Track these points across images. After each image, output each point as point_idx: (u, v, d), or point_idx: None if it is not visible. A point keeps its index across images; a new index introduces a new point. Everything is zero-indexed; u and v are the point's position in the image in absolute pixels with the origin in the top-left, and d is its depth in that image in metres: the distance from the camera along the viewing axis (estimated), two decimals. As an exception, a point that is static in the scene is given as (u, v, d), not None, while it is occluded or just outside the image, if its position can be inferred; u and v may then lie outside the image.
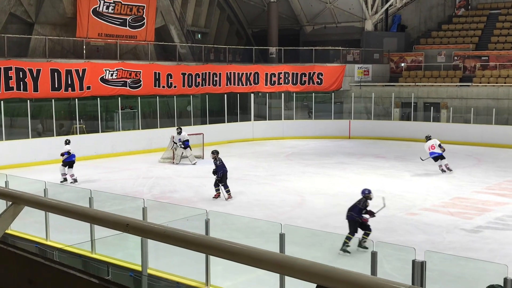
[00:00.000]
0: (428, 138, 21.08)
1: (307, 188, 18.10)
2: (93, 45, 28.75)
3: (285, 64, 33.21)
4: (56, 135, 23.77)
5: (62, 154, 19.03)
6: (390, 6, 37.60)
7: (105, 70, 25.78)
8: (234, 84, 31.26)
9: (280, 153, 26.20)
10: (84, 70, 24.92)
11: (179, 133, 22.96)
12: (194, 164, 22.68)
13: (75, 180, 18.82)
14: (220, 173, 16.24)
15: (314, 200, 16.42)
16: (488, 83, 31.13)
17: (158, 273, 9.62)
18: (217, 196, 16.41)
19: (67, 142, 19.52)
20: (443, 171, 20.45)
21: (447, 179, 19.66)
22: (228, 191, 16.27)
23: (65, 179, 18.92)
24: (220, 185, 16.34)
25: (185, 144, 22.83)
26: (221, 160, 16.53)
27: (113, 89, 26.13)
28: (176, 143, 22.92)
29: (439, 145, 20.38)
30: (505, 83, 30.72)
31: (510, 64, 32.08)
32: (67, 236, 11.68)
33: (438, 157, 20.53)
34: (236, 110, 30.64)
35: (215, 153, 16.68)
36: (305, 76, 32.92)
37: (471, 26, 36.44)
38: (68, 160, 18.97)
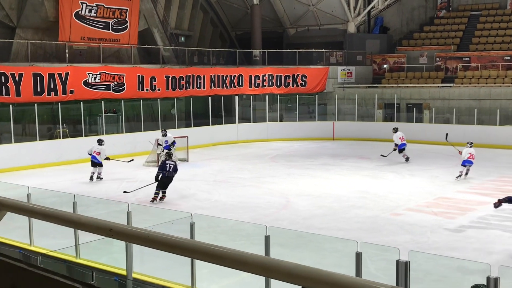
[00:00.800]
0: (395, 129, 23.54)
1: (292, 189, 18.13)
2: (76, 48, 28.58)
3: (269, 66, 33.27)
4: (39, 139, 23.60)
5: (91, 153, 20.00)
6: (372, 8, 37.83)
7: (88, 73, 25.64)
8: (218, 87, 31.25)
9: (264, 155, 26.23)
10: (67, 74, 24.76)
11: (164, 135, 22.89)
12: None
13: (96, 178, 19.93)
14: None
15: (299, 201, 16.45)
16: (470, 83, 31.44)
17: (143, 277, 9.58)
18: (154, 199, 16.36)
19: (100, 143, 20.30)
20: (407, 159, 23.04)
21: (430, 179, 19.82)
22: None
23: (98, 177, 19.96)
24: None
25: (169, 147, 22.74)
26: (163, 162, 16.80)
27: (96, 92, 25.99)
28: (161, 145, 22.83)
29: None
30: (486, 83, 31.05)
31: (491, 64, 32.44)
32: (51, 241, 11.59)
33: (404, 148, 23.21)
34: (220, 112, 30.62)
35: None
36: (289, 78, 33.00)
37: (453, 28, 36.78)
38: (93, 160, 19.89)
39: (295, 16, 38.73)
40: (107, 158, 20.25)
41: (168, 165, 16.34)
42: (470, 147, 20.06)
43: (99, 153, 19.82)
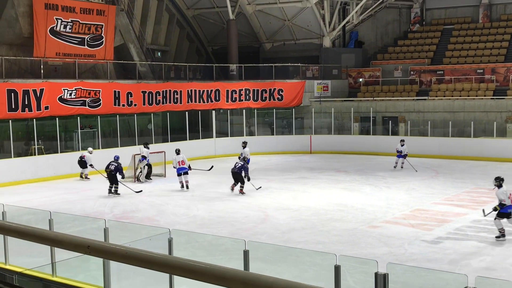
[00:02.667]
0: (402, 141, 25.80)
1: (270, 203, 18.13)
2: (51, 64, 28.34)
3: (246, 80, 33.37)
4: (14, 156, 23.31)
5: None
6: (347, 23, 38.25)
7: (64, 89, 25.43)
8: (195, 102, 31.22)
9: (242, 169, 26.18)
10: (42, 90, 24.53)
11: (147, 147, 23.55)
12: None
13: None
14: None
15: (277, 215, 16.45)
16: (444, 96, 31.89)
17: (121, 294, 9.46)
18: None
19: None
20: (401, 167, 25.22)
21: (407, 191, 19.99)
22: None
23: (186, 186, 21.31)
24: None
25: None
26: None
27: (72, 108, 25.78)
28: (145, 158, 23.08)
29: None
30: (460, 96, 31.52)
31: (465, 77, 32.96)
32: (27, 259, 11.41)
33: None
34: (197, 127, 30.57)
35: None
36: (265, 92, 33.12)
37: (426, 41, 37.35)
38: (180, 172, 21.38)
39: (271, 30, 38.97)
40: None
41: (236, 163, 19.75)
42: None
43: (183, 162, 20.95)
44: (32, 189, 21.53)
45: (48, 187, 21.79)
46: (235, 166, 19.69)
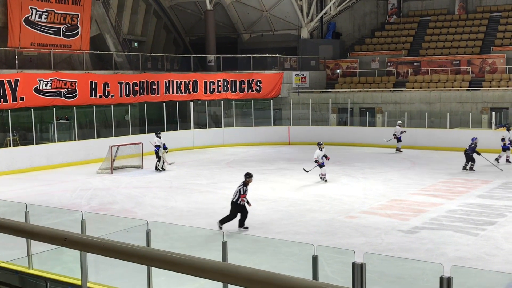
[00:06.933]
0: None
1: (248, 195, 18.10)
2: (26, 55, 27.94)
3: (224, 72, 33.27)
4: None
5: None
6: (325, 14, 38.32)
7: (39, 80, 25.10)
8: (173, 93, 31.06)
9: (221, 160, 26.18)
10: (16, 81, 24.16)
11: (159, 136, 23.49)
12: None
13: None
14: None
15: (255, 206, 16.45)
16: (420, 87, 32.18)
17: (98, 286, 9.41)
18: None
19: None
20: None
21: (384, 182, 20.16)
22: None
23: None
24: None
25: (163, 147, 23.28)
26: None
27: (47, 99, 25.46)
28: (159, 146, 23.13)
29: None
30: (436, 87, 31.83)
31: (441, 69, 33.27)
32: (3, 252, 11.28)
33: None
34: (175, 118, 30.43)
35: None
36: (244, 83, 33.07)
37: (403, 33, 37.61)
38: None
39: (249, 21, 38.87)
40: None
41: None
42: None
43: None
44: (7, 181, 21.26)
45: (24, 179, 21.54)
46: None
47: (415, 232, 13.43)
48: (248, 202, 13.93)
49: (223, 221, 13.67)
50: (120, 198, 18.11)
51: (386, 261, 9.63)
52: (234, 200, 13.86)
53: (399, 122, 28.06)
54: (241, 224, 13.89)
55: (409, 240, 12.84)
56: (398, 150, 27.65)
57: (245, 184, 13.97)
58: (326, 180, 20.03)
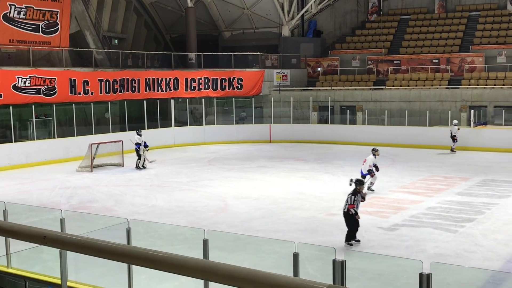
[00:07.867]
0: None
1: (229, 192, 18.15)
2: (4, 51, 27.60)
3: (205, 69, 33.19)
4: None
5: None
6: (306, 12, 38.39)
7: (18, 77, 24.81)
8: (154, 90, 30.90)
9: (202, 158, 26.13)
10: (-6, 78, 23.88)
11: (140, 134, 23.40)
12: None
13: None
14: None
15: (237, 204, 16.48)
16: (400, 86, 32.41)
17: (78, 285, 9.34)
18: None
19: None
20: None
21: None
22: None
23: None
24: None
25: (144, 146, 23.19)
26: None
27: (26, 97, 25.18)
28: (140, 144, 23.05)
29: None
30: (416, 85, 32.08)
31: (421, 67, 33.55)
32: (-20, 251, 11.14)
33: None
34: (156, 116, 30.28)
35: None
36: (225, 81, 33.03)
37: (383, 31, 37.83)
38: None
39: (230, 19, 38.81)
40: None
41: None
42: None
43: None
44: (-15, 179, 20.99)
45: (2, 177, 21.28)
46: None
47: (395, 229, 13.54)
48: (357, 213, 12.22)
49: (348, 239, 12.18)
50: (100, 196, 17.99)
51: (366, 258, 9.70)
52: (345, 210, 12.30)
53: (455, 121, 26.96)
54: (348, 238, 12.20)
55: (389, 237, 12.93)
56: (452, 150, 26.67)
57: (355, 193, 12.30)
58: (373, 190, 17.80)
